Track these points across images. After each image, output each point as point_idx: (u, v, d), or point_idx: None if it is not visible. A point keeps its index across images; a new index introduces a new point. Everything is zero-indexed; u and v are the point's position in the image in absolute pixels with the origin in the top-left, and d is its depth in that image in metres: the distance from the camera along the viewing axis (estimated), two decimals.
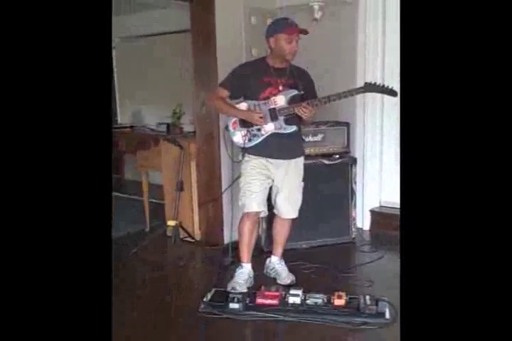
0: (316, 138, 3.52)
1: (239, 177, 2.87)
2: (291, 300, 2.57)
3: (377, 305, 2.49)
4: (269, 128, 2.72)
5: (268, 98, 2.70)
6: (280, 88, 2.70)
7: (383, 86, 2.66)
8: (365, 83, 2.68)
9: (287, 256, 3.12)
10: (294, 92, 2.69)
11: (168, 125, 4.81)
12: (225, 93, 2.79)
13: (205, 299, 2.65)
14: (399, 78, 3.38)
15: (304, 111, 2.62)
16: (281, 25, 2.65)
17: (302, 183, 2.93)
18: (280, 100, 2.69)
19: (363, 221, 3.98)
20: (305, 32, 2.65)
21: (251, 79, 2.72)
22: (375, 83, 2.66)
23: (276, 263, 3.04)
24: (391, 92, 2.66)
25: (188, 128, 4.33)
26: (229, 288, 2.68)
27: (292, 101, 2.68)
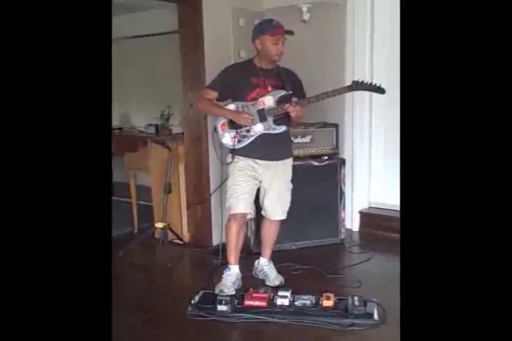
0: (304, 140, 3.52)
1: (227, 179, 2.86)
2: (280, 301, 2.56)
3: (365, 305, 2.49)
4: (258, 129, 2.71)
5: (256, 99, 2.70)
6: (269, 89, 2.70)
7: (371, 84, 2.66)
8: (353, 81, 2.68)
9: (276, 258, 3.12)
10: (283, 93, 2.68)
11: (156, 126, 4.80)
12: (213, 95, 2.77)
13: (193, 301, 2.63)
14: (387, 77, 3.44)
15: (292, 110, 2.62)
16: (266, 27, 2.65)
17: (291, 185, 2.92)
18: (268, 101, 2.69)
19: (352, 222, 3.98)
20: (290, 33, 2.65)
21: (239, 81, 2.71)
22: (362, 81, 2.66)
23: (264, 265, 3.04)
24: (379, 90, 2.67)
25: (177, 129, 4.32)
26: (217, 291, 2.67)
27: (281, 101, 2.67)
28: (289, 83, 2.71)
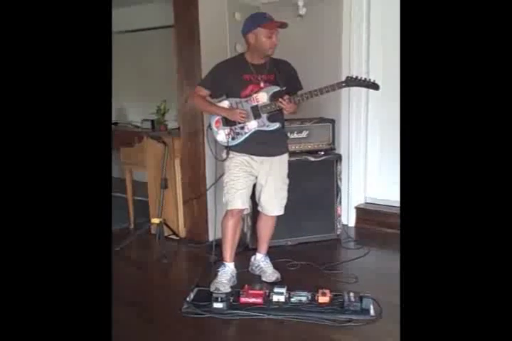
0: (301, 135, 3.51)
1: (223, 174, 2.85)
2: (276, 298, 2.56)
3: (361, 301, 2.48)
4: (252, 125, 2.69)
5: (250, 95, 2.67)
6: (261, 85, 2.67)
7: (365, 79, 2.64)
8: (347, 77, 2.66)
9: (272, 253, 3.11)
10: (276, 89, 2.65)
11: (152, 122, 4.76)
12: (204, 92, 2.75)
13: (188, 299, 2.62)
14: (384, 72, 3.43)
15: (285, 107, 2.59)
16: (260, 20, 2.59)
17: (287, 180, 2.91)
18: (262, 97, 2.66)
19: (348, 217, 3.99)
20: (285, 25, 2.60)
21: (230, 78, 2.68)
22: (356, 77, 2.64)
23: (261, 261, 3.03)
24: (373, 86, 2.64)
25: (172, 124, 4.29)
26: (212, 289, 2.65)
27: (274, 98, 2.64)
28: (283, 76, 2.68)
